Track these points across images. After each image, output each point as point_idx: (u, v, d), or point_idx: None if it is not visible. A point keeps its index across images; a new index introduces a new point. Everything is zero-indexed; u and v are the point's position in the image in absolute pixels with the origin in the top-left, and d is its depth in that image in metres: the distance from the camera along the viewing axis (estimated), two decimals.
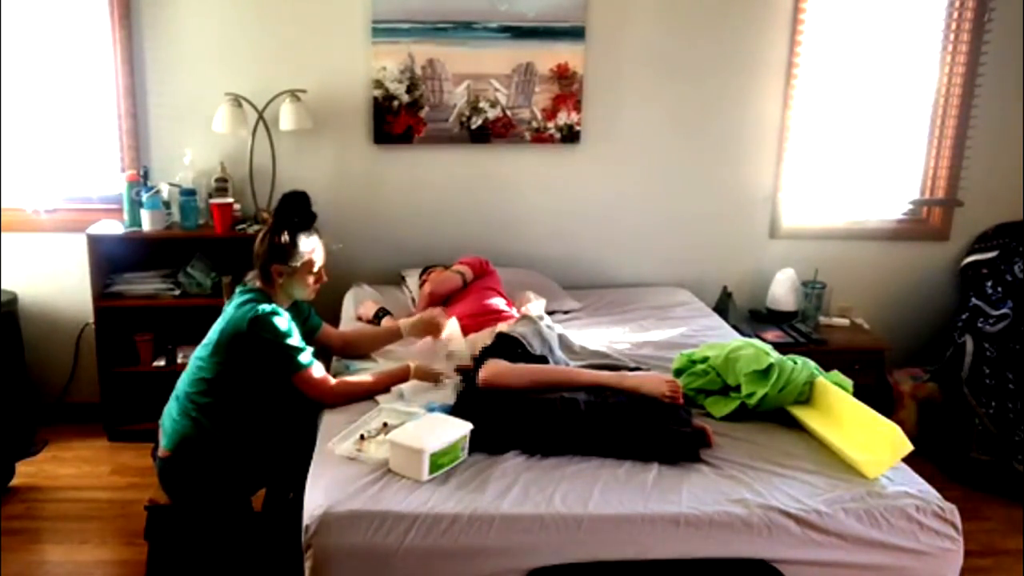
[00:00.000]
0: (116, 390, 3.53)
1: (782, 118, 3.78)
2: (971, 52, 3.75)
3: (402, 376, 2.59)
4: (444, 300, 3.17)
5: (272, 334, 2.35)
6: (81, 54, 3.49)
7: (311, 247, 2.49)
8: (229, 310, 2.43)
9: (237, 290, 2.50)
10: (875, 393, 3.56)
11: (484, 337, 2.74)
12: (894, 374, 3.75)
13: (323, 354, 2.72)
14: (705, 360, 2.59)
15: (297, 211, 2.48)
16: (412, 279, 3.51)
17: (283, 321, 2.38)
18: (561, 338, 2.84)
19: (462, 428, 2.16)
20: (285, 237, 2.44)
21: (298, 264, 2.46)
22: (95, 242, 3.36)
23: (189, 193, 3.41)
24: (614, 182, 3.81)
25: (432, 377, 2.60)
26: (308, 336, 2.55)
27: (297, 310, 2.61)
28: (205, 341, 2.44)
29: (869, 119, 3.85)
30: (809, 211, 3.94)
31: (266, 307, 2.37)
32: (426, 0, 3.49)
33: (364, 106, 3.61)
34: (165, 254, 3.56)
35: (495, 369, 2.44)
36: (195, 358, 2.44)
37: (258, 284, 2.48)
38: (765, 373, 2.44)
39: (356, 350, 2.81)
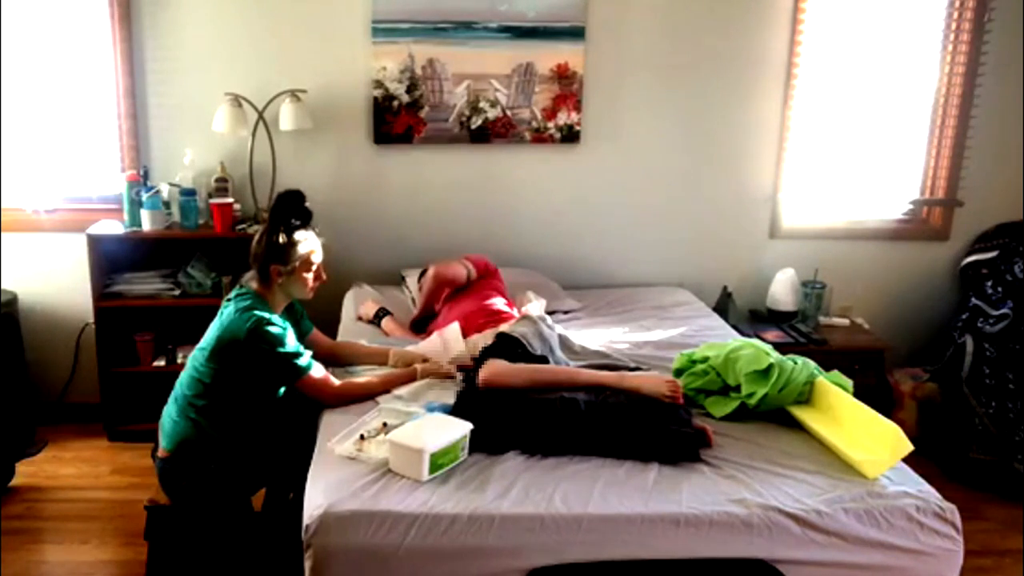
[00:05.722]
0: (116, 390, 3.53)
1: (782, 118, 3.78)
2: (971, 52, 3.75)
3: (408, 379, 2.59)
4: (446, 297, 3.17)
5: (269, 344, 2.34)
6: (81, 54, 3.49)
7: (309, 246, 2.48)
8: (226, 314, 2.41)
9: (234, 292, 2.49)
10: (875, 393, 3.56)
11: (485, 339, 2.74)
12: (894, 374, 3.75)
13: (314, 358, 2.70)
14: (705, 360, 2.59)
15: (293, 210, 2.47)
16: (412, 279, 3.51)
17: (278, 328, 2.37)
18: (561, 338, 2.83)
19: (462, 428, 2.16)
20: (282, 237, 2.44)
21: (296, 263, 2.45)
22: (95, 242, 3.36)
23: (189, 193, 3.41)
24: (614, 182, 3.81)
25: (441, 374, 2.60)
26: (298, 339, 2.54)
27: (291, 312, 2.60)
28: (202, 344, 2.43)
29: (869, 119, 3.85)
30: (809, 211, 3.94)
31: (262, 314, 2.35)
32: (426, 0, 3.49)
33: (364, 106, 3.61)
34: (165, 254, 3.56)
35: (495, 369, 2.44)
36: (192, 360, 2.44)
37: (255, 286, 2.47)
38: (765, 373, 2.44)
39: (341, 361, 2.77)
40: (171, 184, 3.48)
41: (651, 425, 2.24)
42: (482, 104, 3.64)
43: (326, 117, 3.58)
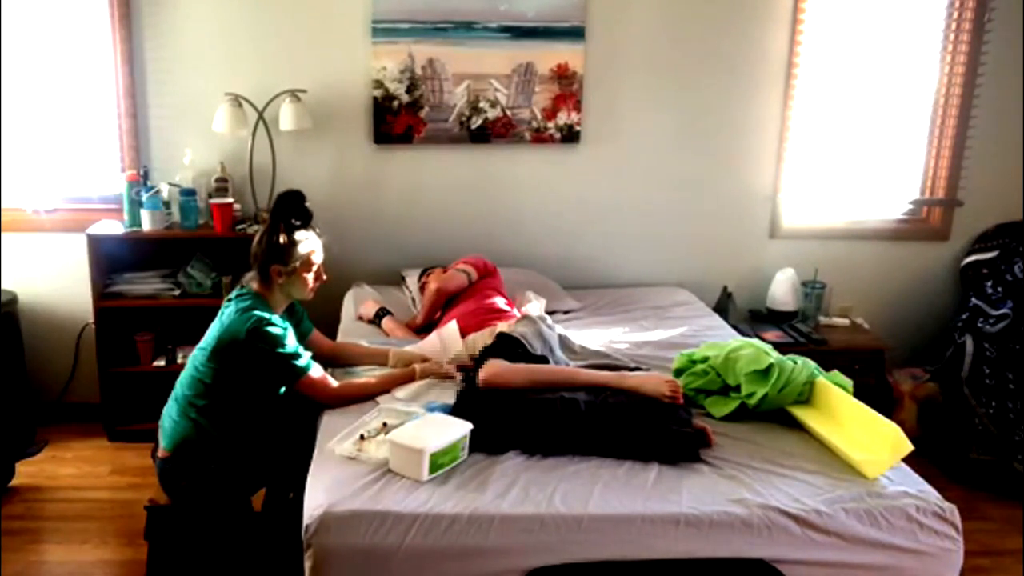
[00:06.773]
0: (116, 390, 3.53)
1: (782, 118, 3.78)
2: (971, 52, 3.75)
3: (406, 379, 2.59)
4: (448, 300, 3.18)
5: (269, 344, 2.34)
6: (81, 54, 3.49)
7: (309, 246, 2.48)
8: (226, 314, 2.41)
9: (234, 292, 2.49)
10: (875, 393, 3.56)
11: (484, 337, 2.75)
12: (894, 374, 3.75)
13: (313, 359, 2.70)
14: (705, 360, 2.59)
15: (294, 210, 2.47)
16: (412, 279, 3.51)
17: (278, 329, 2.37)
18: (561, 338, 2.83)
19: (462, 428, 2.16)
20: (283, 237, 2.44)
21: (297, 263, 2.46)
22: (95, 242, 3.36)
23: (189, 193, 3.41)
24: (614, 182, 3.81)
25: (440, 374, 2.61)
26: (298, 340, 2.54)
27: (292, 313, 2.60)
28: (202, 344, 2.43)
29: (869, 119, 3.84)
30: (809, 211, 3.94)
31: (262, 314, 2.36)
32: (426, 0, 3.49)
33: (364, 106, 3.61)
34: (165, 254, 3.56)
35: (495, 369, 2.44)
36: (192, 360, 2.44)
37: (255, 286, 2.47)
38: (765, 373, 2.44)
39: (342, 361, 2.78)
40: (171, 184, 3.48)
41: (651, 425, 2.24)
42: (482, 104, 3.64)
43: (326, 117, 3.58)
